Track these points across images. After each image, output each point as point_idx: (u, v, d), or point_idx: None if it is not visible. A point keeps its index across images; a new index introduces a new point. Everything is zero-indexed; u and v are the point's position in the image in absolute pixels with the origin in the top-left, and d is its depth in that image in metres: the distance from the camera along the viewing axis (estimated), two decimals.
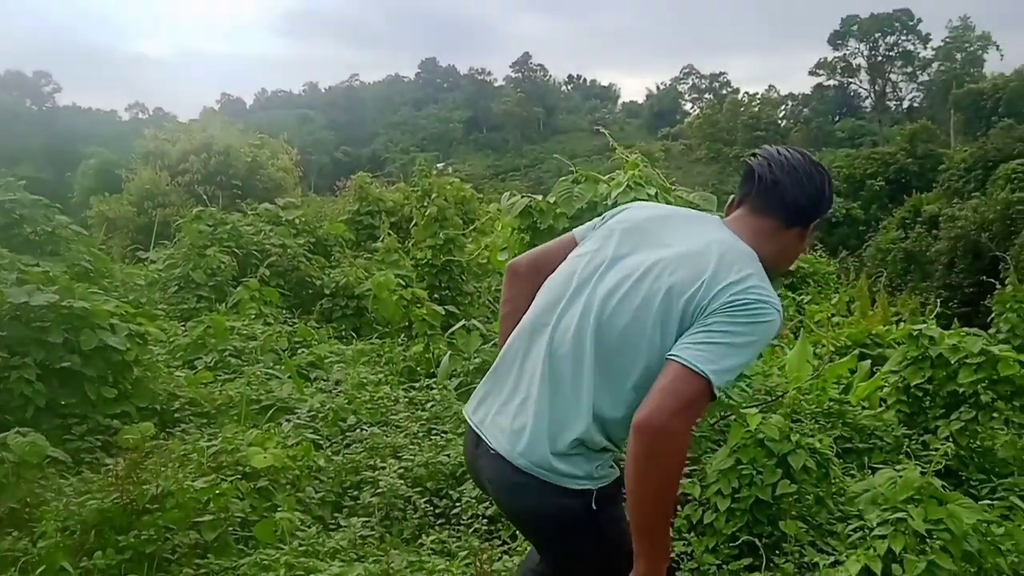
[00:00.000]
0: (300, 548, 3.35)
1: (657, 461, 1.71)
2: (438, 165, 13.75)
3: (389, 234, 11.12)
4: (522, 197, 4.86)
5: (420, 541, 3.75)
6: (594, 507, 1.87)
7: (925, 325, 5.01)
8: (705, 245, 1.90)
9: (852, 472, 4.46)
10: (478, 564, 3.08)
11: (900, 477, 3.23)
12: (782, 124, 73.97)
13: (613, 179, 4.86)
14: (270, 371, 6.35)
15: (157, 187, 16.34)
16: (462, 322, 6.70)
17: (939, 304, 17.70)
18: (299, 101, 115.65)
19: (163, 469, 3.57)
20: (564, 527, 1.92)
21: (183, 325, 7.28)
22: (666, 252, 1.91)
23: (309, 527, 3.68)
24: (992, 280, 12.16)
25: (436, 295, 9.50)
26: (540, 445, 1.87)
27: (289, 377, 6.12)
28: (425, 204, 11.87)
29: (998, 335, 7.64)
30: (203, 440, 4.39)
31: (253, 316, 8.07)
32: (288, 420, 5.08)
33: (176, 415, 5.14)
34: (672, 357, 1.75)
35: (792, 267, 2.34)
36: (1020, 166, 39.88)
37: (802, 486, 3.83)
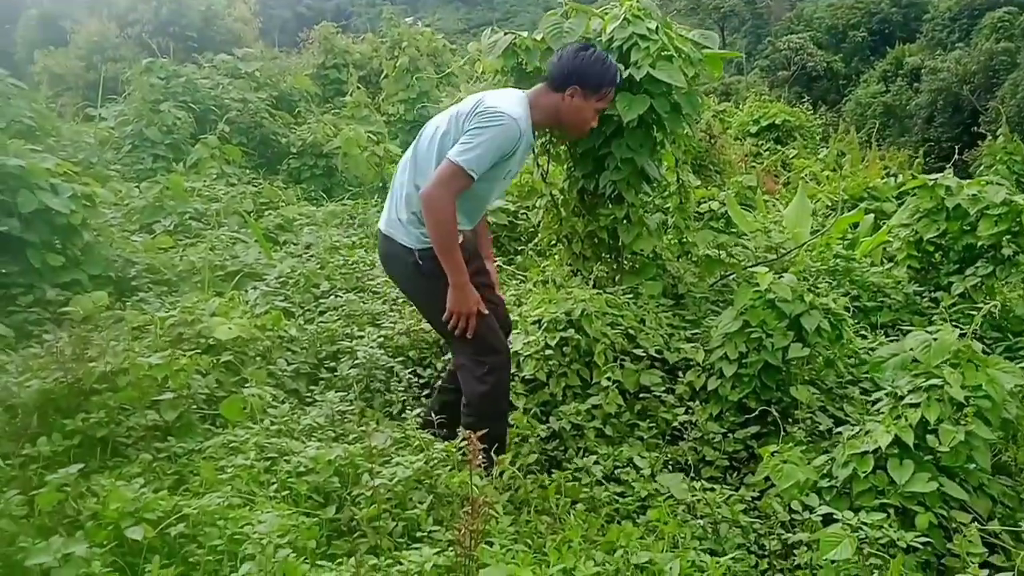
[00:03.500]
0: (272, 427, 3.04)
1: (432, 212, 2.87)
2: (406, 20, 12.78)
3: (358, 87, 10.39)
4: (506, 34, 4.28)
5: (404, 415, 3.45)
6: (419, 262, 3.00)
7: (941, 174, 4.65)
8: (466, 101, 3.11)
9: (863, 333, 4.21)
10: (472, 438, 2.78)
11: (934, 340, 2.92)
12: None
13: (608, 12, 4.28)
14: (235, 235, 5.92)
15: (105, 39, 15.17)
16: None
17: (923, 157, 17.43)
18: None
19: (114, 343, 3.19)
20: (405, 270, 3.09)
21: (138, 186, 6.73)
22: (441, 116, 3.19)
23: (282, 403, 3.36)
24: (981, 131, 11.70)
25: None
26: (391, 216, 3.13)
27: (255, 241, 5.70)
28: (395, 55, 11.12)
29: None
30: (162, 310, 4.01)
31: (214, 176, 7.54)
32: (255, 287, 4.71)
33: (133, 283, 4.75)
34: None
35: (587, 128, 3.21)
36: (1007, 14, 38.68)
37: (814, 349, 3.56)
